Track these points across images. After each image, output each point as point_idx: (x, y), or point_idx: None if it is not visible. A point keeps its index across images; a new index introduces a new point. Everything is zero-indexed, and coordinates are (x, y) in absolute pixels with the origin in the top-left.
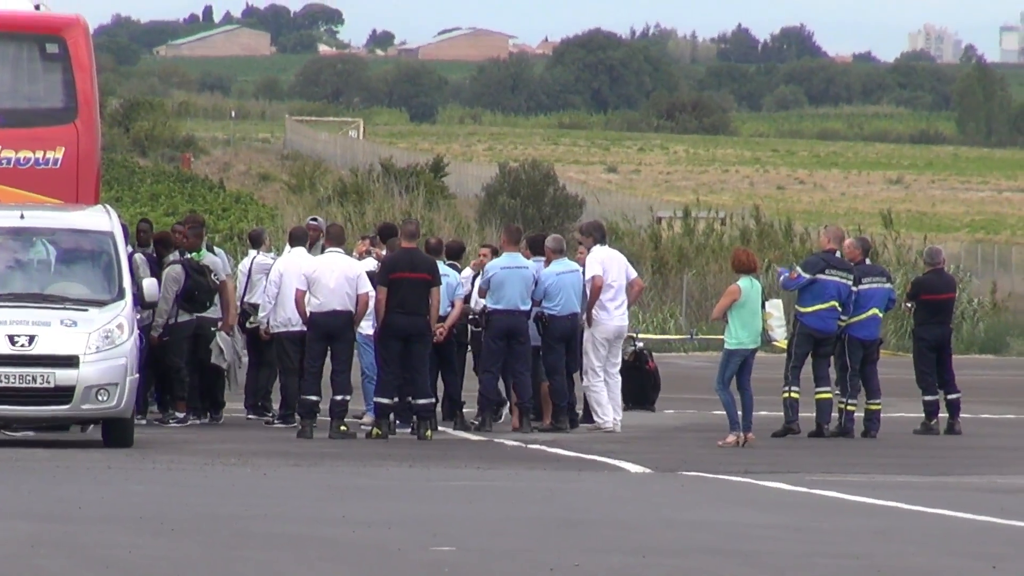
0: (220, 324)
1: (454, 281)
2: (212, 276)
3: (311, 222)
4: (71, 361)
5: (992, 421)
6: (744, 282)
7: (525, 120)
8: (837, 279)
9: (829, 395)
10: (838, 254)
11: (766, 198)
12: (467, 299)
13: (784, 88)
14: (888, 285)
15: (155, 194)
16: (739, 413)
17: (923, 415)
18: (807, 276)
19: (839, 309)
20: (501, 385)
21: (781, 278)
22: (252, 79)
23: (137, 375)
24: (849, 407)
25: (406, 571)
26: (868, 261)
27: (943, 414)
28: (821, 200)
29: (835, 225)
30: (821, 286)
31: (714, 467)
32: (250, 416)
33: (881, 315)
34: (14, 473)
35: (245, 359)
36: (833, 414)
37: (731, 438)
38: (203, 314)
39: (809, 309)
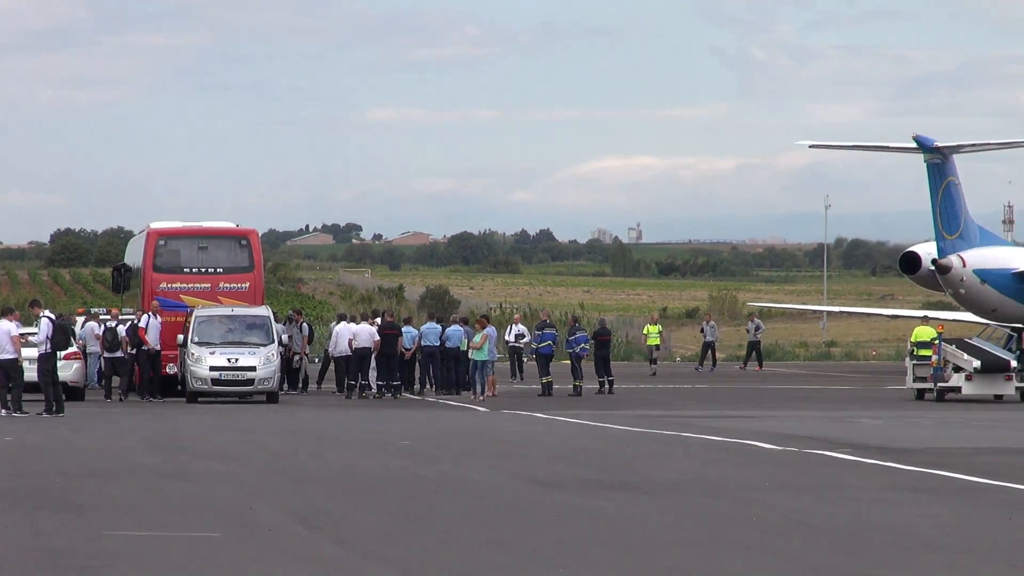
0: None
1: (413, 332)
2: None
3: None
4: (253, 368)
5: None
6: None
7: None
8: (553, 331)
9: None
10: (547, 320)
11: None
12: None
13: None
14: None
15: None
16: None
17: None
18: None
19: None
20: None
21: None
22: None
23: (279, 373)
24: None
25: (389, 451)
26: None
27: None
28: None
29: (545, 310)
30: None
31: (538, 409)
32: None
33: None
34: (226, 414)
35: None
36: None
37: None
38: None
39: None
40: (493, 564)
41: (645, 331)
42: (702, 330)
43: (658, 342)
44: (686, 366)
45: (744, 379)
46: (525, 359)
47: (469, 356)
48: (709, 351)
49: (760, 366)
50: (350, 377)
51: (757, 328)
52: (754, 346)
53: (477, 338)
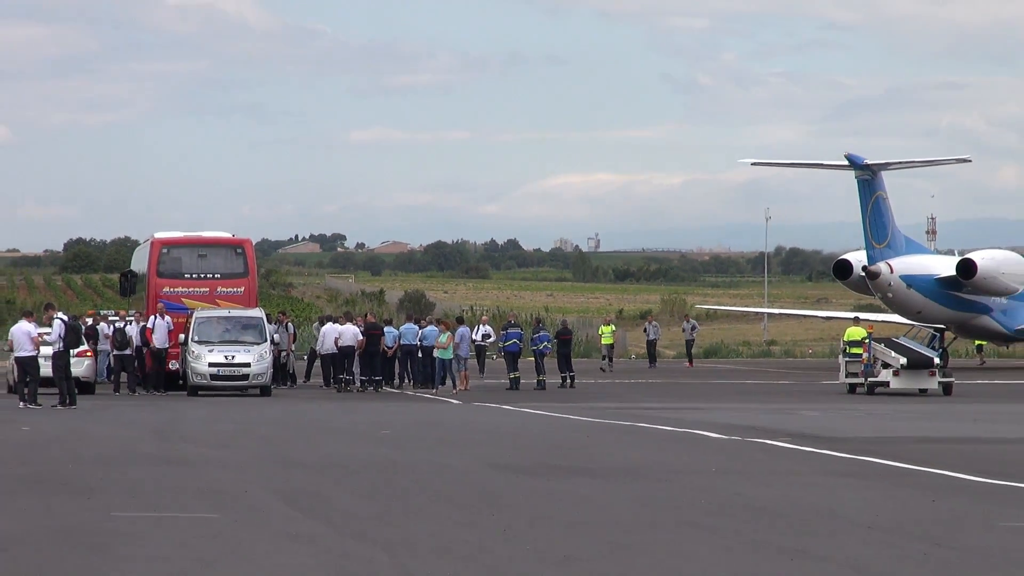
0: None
1: (395, 332)
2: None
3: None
4: (248, 365)
5: None
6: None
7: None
8: (518, 330)
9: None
10: (513, 321)
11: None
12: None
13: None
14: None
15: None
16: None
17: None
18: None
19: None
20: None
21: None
22: None
23: (272, 369)
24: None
25: (371, 439)
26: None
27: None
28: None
29: (512, 312)
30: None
31: (506, 402)
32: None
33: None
34: (223, 406)
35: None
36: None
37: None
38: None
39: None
40: (467, 541)
41: (600, 331)
42: (645, 330)
43: (611, 340)
44: (640, 363)
45: (692, 375)
46: (493, 356)
47: (434, 354)
48: (653, 348)
49: (691, 363)
50: (336, 372)
51: (693, 328)
52: (690, 345)
53: (443, 338)
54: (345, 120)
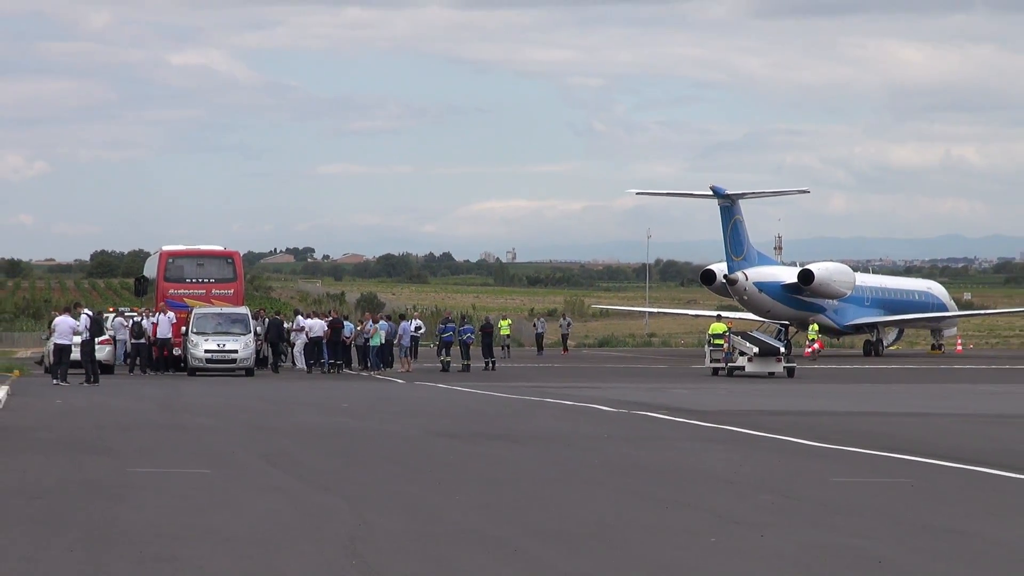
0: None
1: (351, 326)
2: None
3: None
4: (236, 351)
5: None
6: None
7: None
8: (452, 325)
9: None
10: (448, 318)
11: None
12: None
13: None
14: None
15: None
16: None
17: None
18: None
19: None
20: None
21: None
22: None
23: (255, 355)
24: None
25: (334, 411)
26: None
27: None
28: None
29: (447, 310)
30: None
31: (440, 381)
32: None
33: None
34: (216, 384)
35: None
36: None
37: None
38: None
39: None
40: (410, 493)
41: (499, 324)
42: (534, 325)
43: (508, 332)
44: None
45: (581, 360)
46: (431, 345)
47: (368, 343)
48: (541, 340)
49: (565, 351)
50: (307, 358)
51: (568, 324)
52: (565, 337)
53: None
54: (314, 157)
